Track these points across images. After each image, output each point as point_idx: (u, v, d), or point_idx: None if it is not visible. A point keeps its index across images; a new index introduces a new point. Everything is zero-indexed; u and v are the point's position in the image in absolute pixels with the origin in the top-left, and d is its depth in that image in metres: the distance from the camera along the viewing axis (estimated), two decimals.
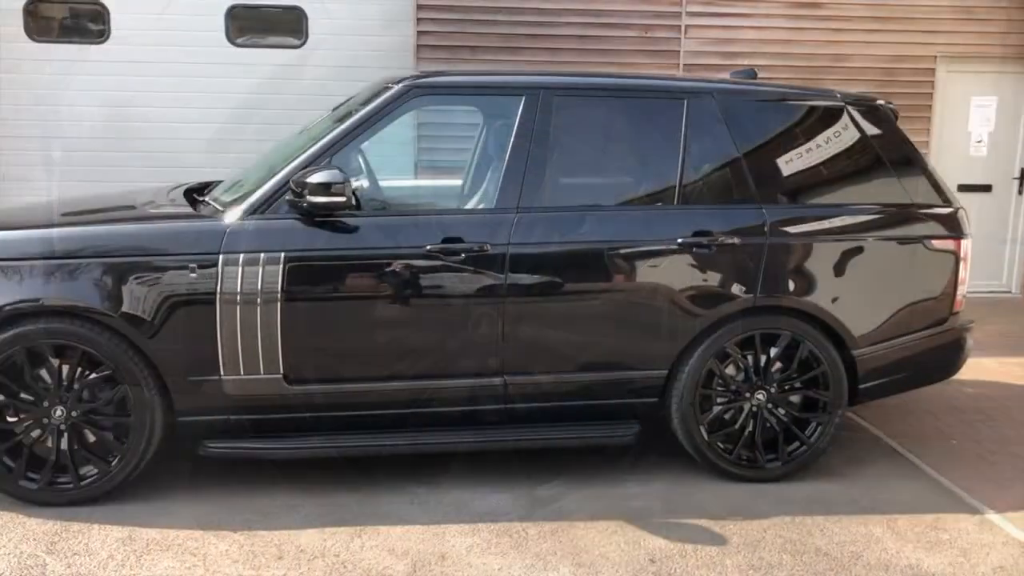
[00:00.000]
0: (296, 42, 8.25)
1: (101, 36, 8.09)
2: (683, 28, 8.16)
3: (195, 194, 4.55)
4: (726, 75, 4.97)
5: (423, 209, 4.50)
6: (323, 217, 3.96)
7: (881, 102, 4.64)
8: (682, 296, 4.17)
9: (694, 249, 4.17)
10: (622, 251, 4.15)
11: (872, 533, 3.89)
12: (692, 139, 4.28)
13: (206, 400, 3.95)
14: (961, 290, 4.53)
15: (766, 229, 4.23)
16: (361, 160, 4.84)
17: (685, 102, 4.29)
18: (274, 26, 8.41)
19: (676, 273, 4.17)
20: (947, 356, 4.63)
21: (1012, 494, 4.31)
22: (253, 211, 3.97)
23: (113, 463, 3.92)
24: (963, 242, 4.51)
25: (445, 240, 4.01)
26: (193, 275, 3.86)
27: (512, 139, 4.15)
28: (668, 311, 4.17)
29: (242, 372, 3.94)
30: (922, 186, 4.53)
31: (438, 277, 4.03)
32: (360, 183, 4.77)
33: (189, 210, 4.19)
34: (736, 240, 4.21)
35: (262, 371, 3.95)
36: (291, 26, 8.29)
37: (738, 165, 4.30)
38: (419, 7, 7.93)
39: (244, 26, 8.27)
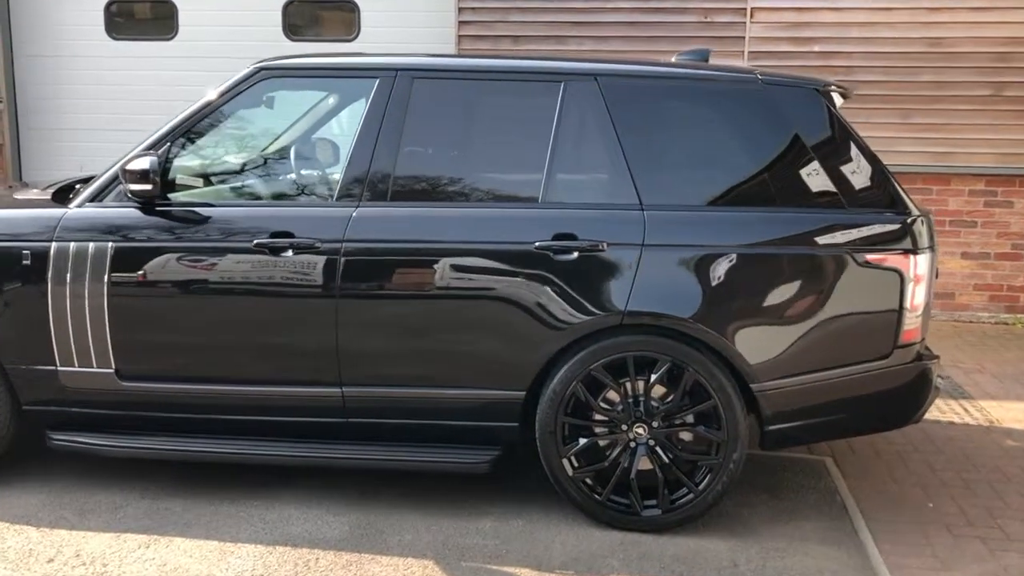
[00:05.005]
0: (348, 36, 8.22)
1: (170, 33, 8.42)
2: (749, 12, 7.29)
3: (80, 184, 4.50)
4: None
5: (263, 201, 4.10)
6: (162, 206, 3.80)
7: (830, 87, 3.82)
8: (538, 308, 3.61)
9: (553, 255, 3.60)
10: (471, 254, 3.65)
11: None
12: (566, 129, 3.70)
13: (46, 391, 3.89)
14: (911, 317, 3.63)
15: (643, 235, 3.58)
16: (292, 152, 4.64)
17: (562, 86, 3.72)
18: (328, 20, 8.44)
19: (532, 282, 3.60)
20: (897, 398, 3.73)
21: None
22: (92, 199, 3.87)
23: None
24: (915, 258, 3.61)
25: (273, 235, 3.71)
26: (27, 262, 3.79)
27: (359, 126, 3.77)
28: (522, 325, 3.62)
29: (76, 364, 3.84)
30: (865, 189, 3.68)
31: (267, 275, 3.73)
32: (291, 175, 4.56)
33: (45, 198, 4.14)
34: (604, 246, 3.59)
35: (95, 364, 3.83)
36: (344, 20, 8.27)
37: (619, 160, 3.66)
38: None
39: (300, 21, 8.34)
